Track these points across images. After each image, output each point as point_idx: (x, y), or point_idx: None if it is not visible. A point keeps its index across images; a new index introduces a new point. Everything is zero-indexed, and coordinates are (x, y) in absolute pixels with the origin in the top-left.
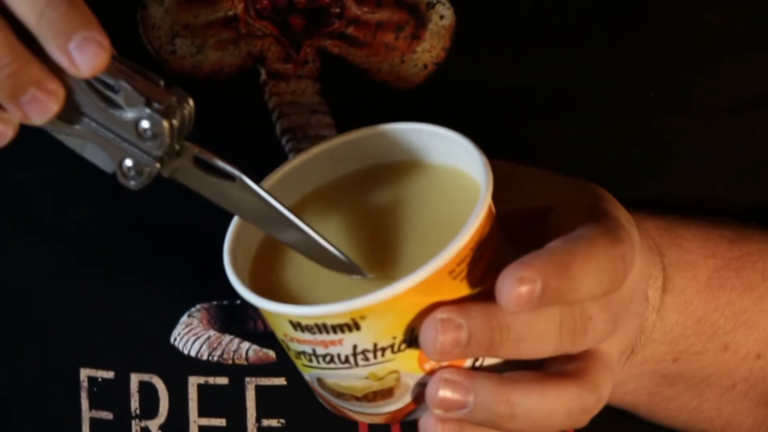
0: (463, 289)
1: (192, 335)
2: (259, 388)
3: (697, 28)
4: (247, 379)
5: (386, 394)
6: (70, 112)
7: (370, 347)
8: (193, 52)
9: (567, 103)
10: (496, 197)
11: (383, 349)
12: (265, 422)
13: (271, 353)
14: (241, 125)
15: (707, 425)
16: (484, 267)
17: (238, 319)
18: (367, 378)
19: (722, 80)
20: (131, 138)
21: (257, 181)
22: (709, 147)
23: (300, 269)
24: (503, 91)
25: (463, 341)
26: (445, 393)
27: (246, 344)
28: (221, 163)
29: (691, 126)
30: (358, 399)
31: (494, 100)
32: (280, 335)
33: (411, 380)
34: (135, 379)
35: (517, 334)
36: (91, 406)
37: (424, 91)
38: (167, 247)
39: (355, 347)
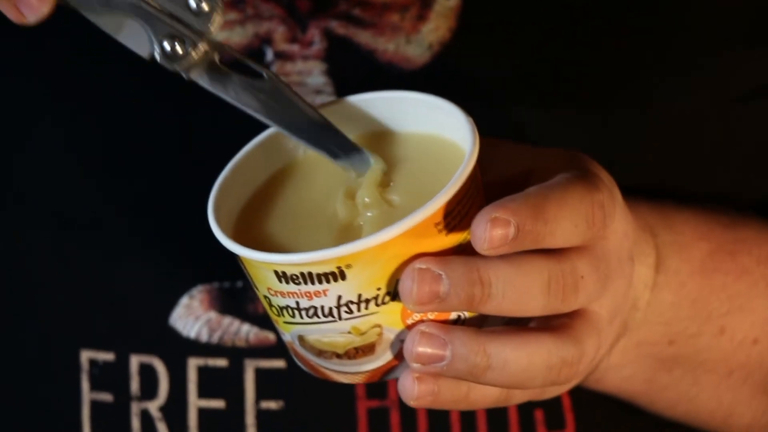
0: (447, 244)
1: (192, 317)
2: (258, 371)
3: (703, 17)
4: (247, 361)
5: (368, 350)
6: None
7: (355, 298)
8: None
9: (571, 86)
10: (479, 169)
11: (367, 301)
12: (264, 404)
13: (271, 336)
14: None
15: (707, 416)
16: (468, 225)
17: (238, 301)
18: (349, 332)
19: (727, 71)
20: (179, 12)
21: (284, 80)
22: (709, 137)
23: (284, 226)
24: (508, 71)
25: (442, 293)
26: (423, 347)
27: (246, 326)
28: (249, 61)
29: (692, 115)
30: (339, 356)
31: (499, 81)
32: (263, 290)
33: (392, 335)
34: (135, 360)
35: (499, 289)
36: (92, 388)
37: (430, 72)
38: (168, 229)
39: (339, 298)
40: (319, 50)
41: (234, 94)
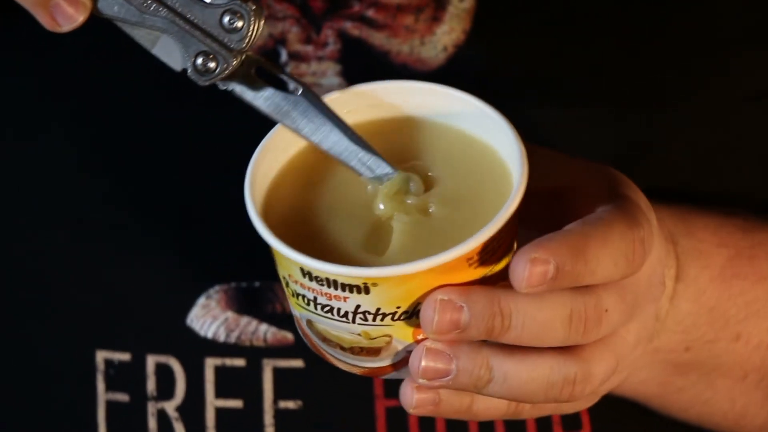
0: (474, 276)
1: (209, 317)
2: (276, 370)
3: (718, 16)
4: (265, 361)
5: (372, 352)
6: (151, 2)
7: (372, 310)
8: None
9: (586, 86)
10: None
11: (384, 315)
12: (282, 404)
13: (289, 335)
14: None
15: (720, 418)
16: (499, 256)
17: (256, 301)
18: (359, 335)
19: (742, 69)
20: (212, 29)
21: (318, 94)
22: (718, 137)
23: (316, 207)
24: (522, 73)
25: (462, 324)
26: (429, 362)
27: (264, 326)
28: (285, 75)
29: (707, 114)
30: (342, 349)
31: (513, 82)
32: (284, 273)
33: (401, 346)
34: (151, 360)
35: (519, 322)
36: (108, 389)
37: (444, 74)
38: (185, 229)
39: (357, 307)
40: (333, 51)
41: (268, 107)
